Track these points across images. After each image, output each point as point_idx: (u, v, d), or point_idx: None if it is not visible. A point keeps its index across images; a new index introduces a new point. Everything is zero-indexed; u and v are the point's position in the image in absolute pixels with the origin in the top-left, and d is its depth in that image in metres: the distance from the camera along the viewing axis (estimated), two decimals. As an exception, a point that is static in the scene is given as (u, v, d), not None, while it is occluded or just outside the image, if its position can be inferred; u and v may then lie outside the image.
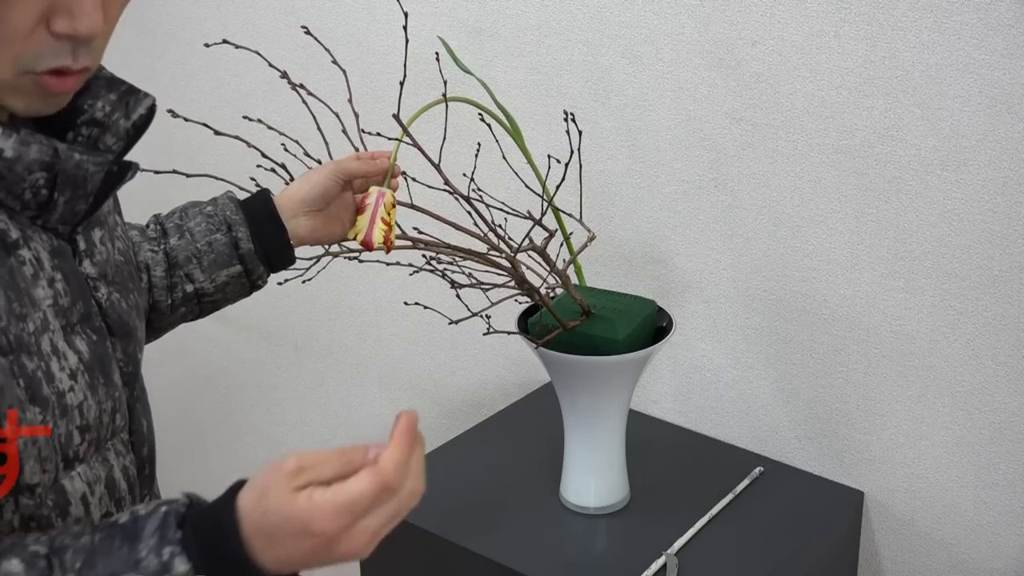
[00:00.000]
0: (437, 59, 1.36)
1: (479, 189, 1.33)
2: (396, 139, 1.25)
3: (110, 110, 0.98)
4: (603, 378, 1.36)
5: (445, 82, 1.32)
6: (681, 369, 1.65)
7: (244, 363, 2.30)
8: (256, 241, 1.23)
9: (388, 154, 1.25)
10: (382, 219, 1.19)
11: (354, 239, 1.22)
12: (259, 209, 1.24)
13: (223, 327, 2.27)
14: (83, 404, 0.94)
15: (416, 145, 1.26)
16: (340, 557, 0.85)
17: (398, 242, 1.29)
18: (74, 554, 0.83)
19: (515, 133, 1.38)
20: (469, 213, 1.31)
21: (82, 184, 0.92)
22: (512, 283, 1.35)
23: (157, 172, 1.24)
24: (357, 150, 1.31)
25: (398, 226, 1.29)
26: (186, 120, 1.31)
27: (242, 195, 1.28)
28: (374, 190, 1.21)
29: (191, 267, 1.22)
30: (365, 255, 1.33)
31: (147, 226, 1.25)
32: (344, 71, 1.36)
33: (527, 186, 1.37)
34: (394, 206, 1.21)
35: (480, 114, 1.36)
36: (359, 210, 1.21)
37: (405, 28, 1.29)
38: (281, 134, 1.36)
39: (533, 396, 1.74)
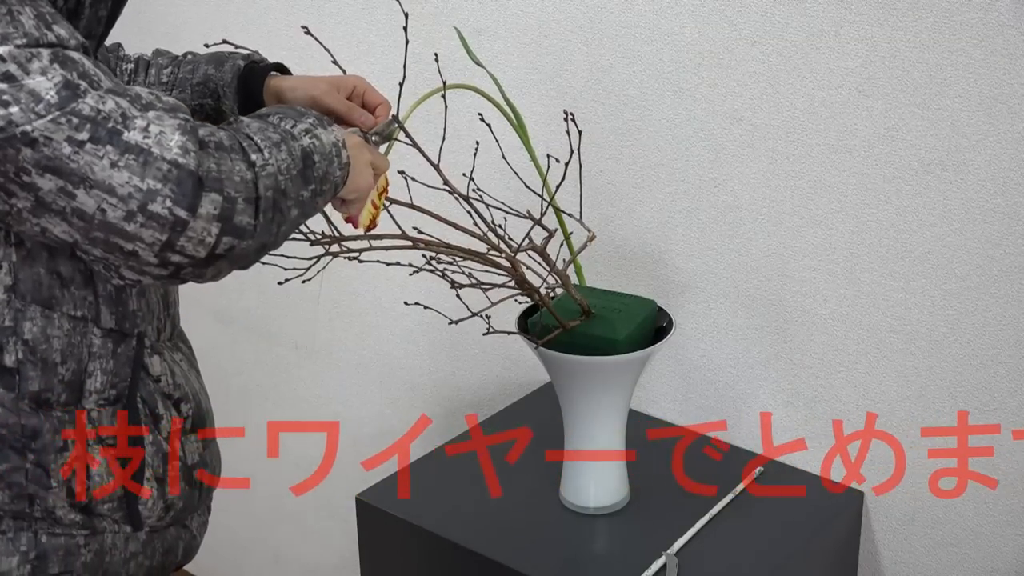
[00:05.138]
0: (436, 60, 1.36)
1: (479, 189, 1.33)
2: (393, 138, 1.26)
3: None
4: (603, 378, 1.36)
5: (444, 81, 1.32)
6: (681, 369, 1.65)
7: (244, 363, 2.30)
8: (240, 113, 1.31)
9: (381, 106, 1.27)
10: (372, 202, 1.20)
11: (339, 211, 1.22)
12: (255, 90, 1.32)
13: (223, 327, 2.27)
14: None
15: (415, 144, 1.26)
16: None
17: (398, 242, 1.30)
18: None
19: (519, 127, 1.38)
20: (469, 213, 1.31)
21: None
22: (512, 283, 1.35)
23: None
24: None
25: (398, 226, 1.29)
26: (186, 120, 1.31)
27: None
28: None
29: None
30: (365, 255, 1.33)
31: (168, 68, 1.34)
32: (344, 71, 1.36)
33: (527, 186, 1.37)
34: (386, 191, 1.22)
35: (479, 113, 1.36)
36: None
37: (405, 29, 1.29)
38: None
39: (533, 396, 1.74)
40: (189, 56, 1.34)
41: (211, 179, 0.95)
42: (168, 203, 0.93)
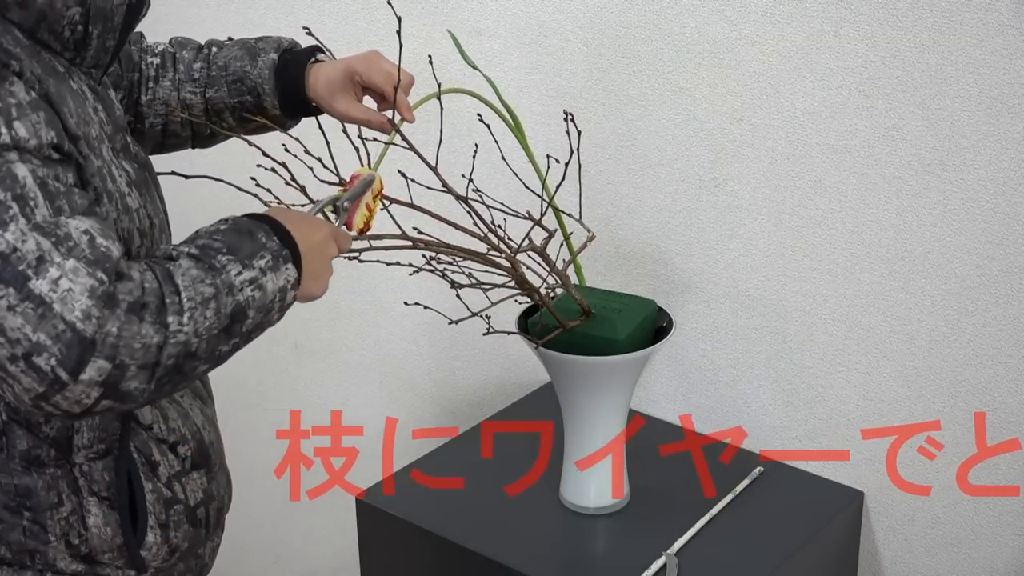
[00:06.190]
0: (430, 61, 1.36)
1: (478, 190, 1.33)
2: (389, 141, 1.26)
3: None
4: (603, 378, 1.36)
5: (439, 84, 1.32)
6: (681, 369, 1.65)
7: (244, 363, 2.29)
8: (281, 109, 1.32)
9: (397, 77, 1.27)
10: (366, 205, 1.19)
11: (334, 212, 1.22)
12: (292, 81, 1.30)
13: (223, 327, 2.27)
14: (139, 210, 1.07)
15: (412, 149, 1.26)
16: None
17: (398, 242, 1.30)
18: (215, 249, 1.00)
19: (517, 129, 1.38)
20: (469, 214, 1.31)
21: (110, 17, 1.04)
22: (512, 283, 1.35)
23: (157, 174, 1.24)
24: (357, 150, 1.31)
25: (398, 226, 1.29)
26: (186, 118, 1.31)
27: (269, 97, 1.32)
28: (363, 172, 1.21)
29: (224, 115, 1.33)
30: (365, 255, 1.33)
31: (197, 63, 1.32)
32: (344, 71, 1.36)
33: (527, 186, 1.37)
34: (380, 193, 1.22)
35: (479, 114, 1.36)
36: (345, 187, 1.21)
37: (399, 33, 1.29)
38: (281, 132, 1.36)
39: (533, 396, 1.74)
40: (214, 48, 1.32)
41: (107, 345, 0.89)
42: (52, 361, 0.89)
